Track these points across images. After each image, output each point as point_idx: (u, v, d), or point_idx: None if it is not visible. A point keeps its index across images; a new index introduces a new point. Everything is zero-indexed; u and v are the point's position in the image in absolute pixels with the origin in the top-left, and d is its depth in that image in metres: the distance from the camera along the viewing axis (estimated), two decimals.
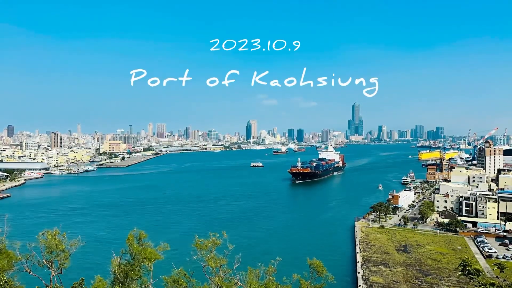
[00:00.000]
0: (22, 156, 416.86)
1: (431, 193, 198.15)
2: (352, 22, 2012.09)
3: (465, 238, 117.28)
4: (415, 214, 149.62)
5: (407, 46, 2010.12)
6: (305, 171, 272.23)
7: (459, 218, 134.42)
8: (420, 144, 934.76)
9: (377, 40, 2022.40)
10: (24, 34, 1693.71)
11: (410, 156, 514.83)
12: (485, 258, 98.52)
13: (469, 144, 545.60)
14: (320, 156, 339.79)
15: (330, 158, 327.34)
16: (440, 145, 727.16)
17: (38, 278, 27.36)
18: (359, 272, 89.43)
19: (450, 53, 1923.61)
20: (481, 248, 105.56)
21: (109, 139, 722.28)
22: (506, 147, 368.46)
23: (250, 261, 28.89)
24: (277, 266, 27.75)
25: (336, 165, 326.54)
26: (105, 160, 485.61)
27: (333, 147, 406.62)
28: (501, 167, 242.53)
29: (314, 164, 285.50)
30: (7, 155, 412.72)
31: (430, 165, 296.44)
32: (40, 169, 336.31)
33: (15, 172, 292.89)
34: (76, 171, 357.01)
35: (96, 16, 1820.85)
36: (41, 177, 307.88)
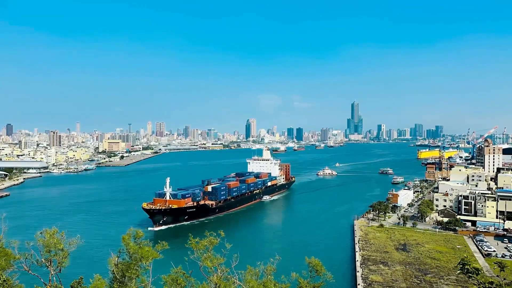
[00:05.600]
0: (21, 155, 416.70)
1: (430, 192, 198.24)
2: (351, 21, 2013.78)
3: (464, 237, 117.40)
4: (414, 213, 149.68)
5: (406, 44, 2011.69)
6: (178, 207, 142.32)
7: (458, 217, 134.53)
8: (419, 143, 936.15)
9: (376, 39, 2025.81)
10: (23, 32, 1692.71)
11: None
12: (484, 257, 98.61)
13: (468, 143, 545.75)
14: (249, 168, 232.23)
15: (262, 172, 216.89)
16: (439, 144, 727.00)
17: (37, 277, 27.35)
18: (358, 271, 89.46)
19: (449, 50, 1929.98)
20: (480, 247, 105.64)
21: (108, 138, 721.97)
22: (505, 146, 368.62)
23: (249, 260, 28.87)
24: (276, 265, 27.72)
25: (270, 183, 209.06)
26: (104, 159, 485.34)
27: (272, 152, 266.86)
28: (500, 166, 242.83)
29: (209, 188, 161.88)
30: (6, 154, 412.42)
31: (429, 164, 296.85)
32: (39, 168, 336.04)
33: (14, 171, 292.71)
34: (75, 170, 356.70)
35: (95, 15, 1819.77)
36: (40, 176, 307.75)
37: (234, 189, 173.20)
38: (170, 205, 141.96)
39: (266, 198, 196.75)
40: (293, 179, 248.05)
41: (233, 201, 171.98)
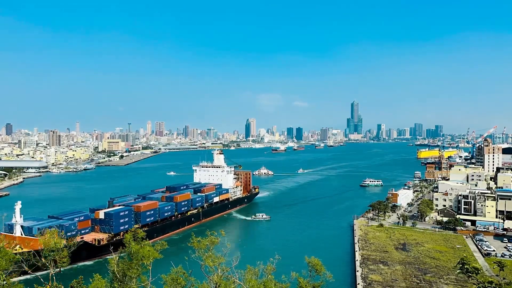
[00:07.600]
0: (21, 155, 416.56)
1: (430, 192, 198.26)
2: (351, 20, 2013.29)
3: (464, 237, 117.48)
4: (414, 213, 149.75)
5: (406, 44, 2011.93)
6: (29, 250, 65.02)
7: (458, 216, 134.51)
8: (419, 143, 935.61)
9: (376, 38, 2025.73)
10: (22, 31, 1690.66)
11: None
12: (483, 257, 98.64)
13: (468, 142, 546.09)
14: (195, 177, 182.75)
15: (209, 183, 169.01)
16: (439, 143, 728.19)
17: (37, 276, 27.39)
18: (358, 271, 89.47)
19: (449, 50, 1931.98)
20: (479, 247, 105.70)
21: (108, 138, 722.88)
22: (505, 146, 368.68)
23: (249, 260, 28.89)
24: (276, 265, 27.75)
25: (218, 198, 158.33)
26: (104, 158, 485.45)
27: (225, 157, 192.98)
28: (500, 166, 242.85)
29: (102, 215, 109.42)
30: (6, 154, 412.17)
31: (429, 163, 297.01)
32: (39, 168, 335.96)
33: (14, 170, 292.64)
34: (75, 169, 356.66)
35: (96, 14, 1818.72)
36: (39, 176, 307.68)
37: (147, 213, 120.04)
38: (19, 246, 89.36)
39: (217, 217, 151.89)
40: (256, 190, 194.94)
41: (148, 230, 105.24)
